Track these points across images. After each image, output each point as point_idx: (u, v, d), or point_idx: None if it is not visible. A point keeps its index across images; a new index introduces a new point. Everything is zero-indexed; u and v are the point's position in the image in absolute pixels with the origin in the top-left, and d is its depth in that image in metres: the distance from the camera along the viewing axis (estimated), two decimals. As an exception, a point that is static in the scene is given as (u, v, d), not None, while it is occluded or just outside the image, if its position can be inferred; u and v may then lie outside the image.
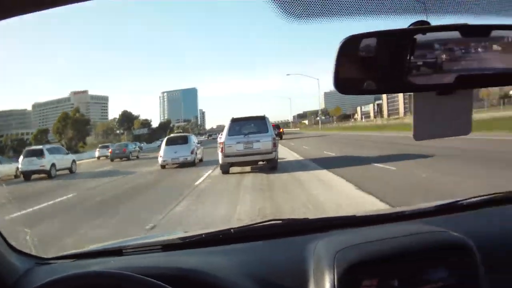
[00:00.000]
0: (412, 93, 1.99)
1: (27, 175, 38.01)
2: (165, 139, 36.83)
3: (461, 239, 2.30)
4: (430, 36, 1.83)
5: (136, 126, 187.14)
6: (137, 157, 62.27)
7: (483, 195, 3.13)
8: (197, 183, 22.41)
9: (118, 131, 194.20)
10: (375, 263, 2.19)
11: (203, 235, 2.85)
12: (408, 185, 15.98)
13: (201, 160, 36.83)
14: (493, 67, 1.87)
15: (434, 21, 1.89)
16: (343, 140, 55.68)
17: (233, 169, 26.03)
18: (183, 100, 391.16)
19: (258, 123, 26.49)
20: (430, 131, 2.09)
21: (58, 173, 38.97)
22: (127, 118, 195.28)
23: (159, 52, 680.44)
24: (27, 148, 41.64)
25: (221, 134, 27.84)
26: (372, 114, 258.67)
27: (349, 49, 1.81)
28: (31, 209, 18.03)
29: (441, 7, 2.08)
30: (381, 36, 1.83)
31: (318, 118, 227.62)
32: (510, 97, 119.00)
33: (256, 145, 25.49)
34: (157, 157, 35.51)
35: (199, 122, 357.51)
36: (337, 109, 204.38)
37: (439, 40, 1.83)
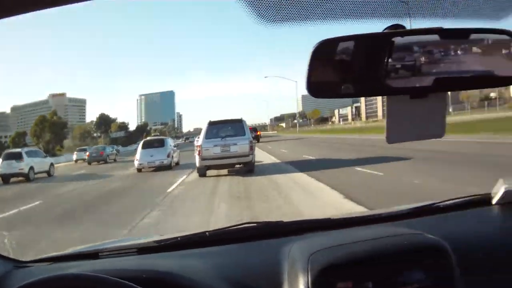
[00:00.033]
0: (385, 96, 1.98)
1: (5, 178, 37.98)
2: (141, 142, 36.61)
3: (436, 241, 2.30)
4: (406, 39, 1.84)
5: (113, 129, 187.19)
6: (115, 160, 63.00)
7: (459, 197, 3.13)
8: (170, 189, 21.38)
9: (95, 134, 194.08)
10: (349, 266, 2.17)
11: (179, 238, 2.81)
12: (406, 196, 13.67)
13: (177, 164, 36.78)
14: (469, 70, 1.88)
15: (410, 24, 1.92)
16: (321, 143, 55.46)
17: (210, 174, 25.74)
18: (161, 103, 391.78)
19: (235, 126, 26.56)
20: (403, 134, 2.09)
21: (36, 176, 39.15)
22: (104, 121, 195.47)
23: (137, 55, 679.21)
24: (6, 151, 42.17)
25: (198, 137, 27.85)
26: (350, 117, 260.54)
27: (323, 53, 1.80)
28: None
29: (416, 11, 2.06)
30: (356, 39, 1.81)
31: (295, 121, 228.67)
32: (491, 99, 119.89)
33: (233, 148, 25.47)
34: (134, 160, 35.13)
35: (176, 125, 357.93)
36: (315, 111, 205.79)
37: (414, 43, 1.84)
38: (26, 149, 43.40)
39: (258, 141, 63.85)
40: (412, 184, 16.02)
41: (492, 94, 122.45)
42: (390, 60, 1.81)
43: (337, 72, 1.85)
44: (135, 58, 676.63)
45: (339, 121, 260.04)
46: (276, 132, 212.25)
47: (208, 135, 25.91)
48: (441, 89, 1.92)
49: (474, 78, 1.92)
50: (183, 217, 14.46)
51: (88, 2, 1.87)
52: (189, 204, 16.93)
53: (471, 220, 2.93)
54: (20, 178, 37.79)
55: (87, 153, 64.75)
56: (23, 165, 37.65)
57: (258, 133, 77.50)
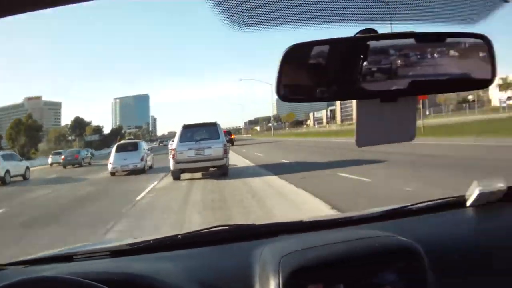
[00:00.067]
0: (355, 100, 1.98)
1: (-18, 181, 37.39)
2: (115, 146, 36.49)
3: (408, 243, 2.30)
4: (378, 44, 1.85)
5: (88, 133, 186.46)
6: (89, 164, 62.88)
7: (433, 200, 3.13)
8: (139, 197, 20.17)
9: (70, 138, 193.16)
10: (320, 268, 2.16)
11: (151, 241, 2.81)
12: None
13: (151, 167, 36.64)
14: (442, 74, 1.90)
15: (381, 29, 1.89)
16: (298, 147, 55.44)
17: (182, 180, 25.46)
18: (135, 107, 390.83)
19: (209, 130, 26.65)
20: (373, 137, 2.10)
21: (12, 179, 38.85)
22: (79, 125, 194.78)
23: (112, 58, 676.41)
24: (-17, 155, 41.33)
25: (173, 141, 27.95)
26: (325, 120, 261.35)
27: (293, 57, 1.81)
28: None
29: (390, 15, 2.05)
30: (327, 44, 1.83)
31: (270, 124, 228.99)
32: (469, 102, 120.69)
33: (207, 151, 25.56)
34: (107, 164, 34.84)
35: (150, 129, 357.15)
36: (290, 115, 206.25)
37: (387, 48, 1.85)
38: (1, 152, 43.14)
39: (232, 145, 64.05)
40: (407, 192, 14.28)
41: (470, 97, 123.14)
42: (361, 64, 1.82)
43: (307, 76, 1.86)
44: (110, 61, 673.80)
45: (314, 124, 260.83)
46: (250, 135, 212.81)
47: (182, 139, 25.98)
48: (412, 92, 1.93)
49: (448, 81, 1.93)
50: (149, 231, 12.76)
51: (60, 7, 1.80)
52: (158, 215, 15.46)
53: (445, 222, 2.92)
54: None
55: (62, 157, 64.39)
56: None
57: (232, 136, 78.07)
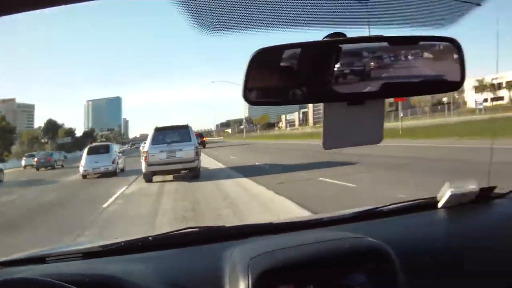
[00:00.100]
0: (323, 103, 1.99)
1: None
2: (86, 148, 36.07)
3: (378, 244, 2.32)
4: (345, 47, 1.85)
5: (60, 135, 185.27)
6: (62, 166, 62.33)
7: (404, 201, 3.16)
8: (106, 204, 18.73)
9: (43, 140, 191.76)
10: (289, 269, 2.18)
11: (122, 243, 2.78)
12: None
13: (122, 170, 36.30)
14: (411, 77, 1.92)
15: (351, 32, 1.89)
16: (271, 149, 54.85)
17: (154, 184, 25.10)
18: (108, 109, 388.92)
19: (181, 132, 26.84)
20: (340, 140, 2.11)
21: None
22: (52, 127, 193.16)
23: (84, 60, 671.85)
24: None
25: (145, 143, 28.00)
26: (297, 122, 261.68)
27: (260, 61, 1.80)
28: None
29: (355, 19, 2.10)
30: (294, 48, 1.82)
31: (242, 126, 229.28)
32: (444, 104, 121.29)
33: (179, 154, 25.67)
34: (79, 166, 34.55)
35: (122, 131, 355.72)
36: (263, 117, 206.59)
37: (354, 51, 1.86)
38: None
39: (204, 147, 64.00)
40: (402, 200, 12.73)
41: (445, 99, 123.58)
42: (329, 68, 1.82)
43: (274, 80, 1.86)
44: (83, 63, 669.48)
45: (286, 127, 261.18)
46: (222, 138, 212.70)
47: (154, 141, 26.16)
48: (381, 95, 1.94)
49: (417, 84, 1.95)
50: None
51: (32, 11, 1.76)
52: (124, 227, 13.75)
53: (416, 224, 2.95)
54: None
55: (36, 159, 63.90)
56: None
57: (204, 139, 78.14)
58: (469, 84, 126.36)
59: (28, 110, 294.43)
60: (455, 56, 1.96)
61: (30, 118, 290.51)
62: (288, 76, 1.85)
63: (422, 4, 2.19)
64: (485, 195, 3.12)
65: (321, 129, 2.04)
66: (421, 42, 1.95)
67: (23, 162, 74.91)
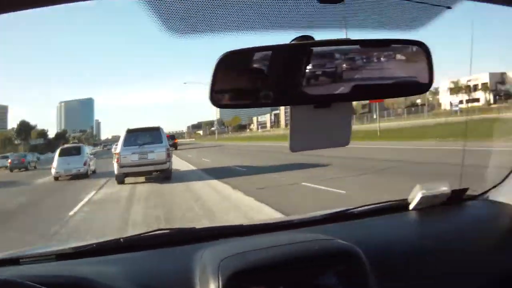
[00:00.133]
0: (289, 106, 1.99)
1: None
2: (58, 150, 35.52)
3: (348, 246, 2.33)
4: (313, 50, 1.84)
5: (33, 136, 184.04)
6: (35, 168, 61.77)
7: (376, 203, 3.15)
8: (73, 211, 17.17)
9: (16, 141, 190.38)
10: (259, 271, 2.19)
11: (94, 245, 2.74)
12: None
13: (94, 172, 35.94)
14: (377, 80, 1.92)
15: (318, 36, 1.88)
16: (244, 151, 54.43)
17: (124, 189, 24.02)
18: (80, 110, 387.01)
19: (152, 134, 26.78)
20: (307, 142, 2.10)
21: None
22: (25, 128, 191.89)
23: (57, 61, 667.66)
24: None
25: (116, 145, 27.98)
26: (268, 124, 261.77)
27: (227, 64, 1.79)
28: None
29: (323, 22, 2.08)
30: (261, 51, 1.81)
31: (213, 128, 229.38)
32: (418, 105, 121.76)
33: (150, 155, 25.66)
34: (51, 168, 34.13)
35: (94, 133, 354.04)
36: (235, 119, 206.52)
37: (322, 54, 1.85)
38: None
39: (176, 149, 63.80)
40: None
41: (418, 101, 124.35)
42: (297, 71, 1.82)
43: (240, 83, 1.85)
44: (55, 64, 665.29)
45: (258, 129, 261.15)
46: (193, 139, 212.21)
47: (126, 143, 26.16)
48: (348, 98, 1.95)
49: (385, 87, 1.95)
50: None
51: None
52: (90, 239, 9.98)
53: (387, 226, 2.98)
54: None
55: (9, 161, 63.47)
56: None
57: (176, 140, 78.00)
58: (444, 86, 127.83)
59: (1, 111, 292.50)
60: (424, 59, 1.95)
61: (3, 120, 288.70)
62: (255, 79, 1.83)
63: (393, 7, 2.18)
64: (457, 197, 3.12)
65: None
66: (391, 45, 1.95)
67: (-4, 164, 74.11)
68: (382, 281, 2.30)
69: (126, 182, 25.61)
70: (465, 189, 3.18)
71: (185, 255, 2.48)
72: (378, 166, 22.35)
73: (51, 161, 34.43)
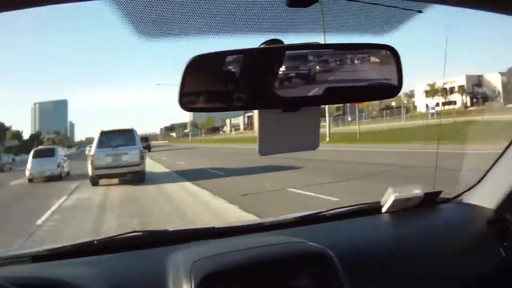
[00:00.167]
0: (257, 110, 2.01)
1: None
2: (32, 152, 35.25)
3: (320, 249, 2.34)
4: (282, 55, 1.83)
5: (8, 138, 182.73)
6: (10, 169, 61.06)
7: (348, 206, 3.16)
8: (40, 220, 15.68)
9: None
10: (232, 273, 2.20)
11: (69, 247, 2.73)
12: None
13: (68, 174, 35.61)
14: (346, 84, 1.92)
15: (289, 39, 1.89)
16: (219, 153, 53.82)
17: (96, 194, 22.61)
18: (54, 112, 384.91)
19: (126, 136, 26.88)
20: (276, 146, 2.09)
21: None
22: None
23: (32, 61, 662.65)
24: None
25: (90, 147, 27.98)
26: (242, 127, 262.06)
27: (195, 68, 1.78)
28: None
29: (293, 26, 2.09)
30: (229, 55, 1.80)
31: (187, 130, 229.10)
32: (392, 108, 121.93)
33: (124, 157, 25.79)
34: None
35: (68, 134, 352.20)
36: (208, 121, 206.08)
37: (291, 58, 1.84)
38: None
39: (149, 151, 63.62)
40: None
41: (393, 103, 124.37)
42: (265, 75, 1.82)
43: (209, 87, 1.84)
44: (30, 65, 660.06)
45: (231, 131, 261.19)
46: (167, 141, 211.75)
47: (100, 145, 26.22)
48: (316, 102, 1.95)
49: (354, 91, 1.95)
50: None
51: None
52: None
53: (360, 228, 2.97)
54: None
55: (-16, 162, 62.56)
56: None
57: (150, 142, 77.97)
58: (420, 88, 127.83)
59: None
60: (393, 62, 1.95)
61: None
62: (225, 83, 1.82)
63: (364, 11, 2.15)
64: (430, 200, 3.13)
65: None
66: (361, 49, 1.95)
67: (-28, 165, 73.57)
68: (357, 283, 2.31)
69: (100, 183, 25.46)
70: (439, 192, 3.19)
71: (158, 258, 2.47)
72: (370, 170, 21.18)
73: (25, 162, 34.07)
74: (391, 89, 1.96)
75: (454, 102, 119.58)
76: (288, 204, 14.97)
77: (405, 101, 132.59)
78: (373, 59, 1.96)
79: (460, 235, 2.86)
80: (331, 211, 3.08)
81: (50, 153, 34.00)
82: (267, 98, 1.83)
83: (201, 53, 1.78)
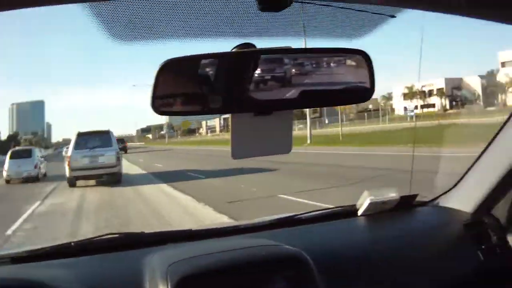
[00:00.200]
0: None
1: None
2: (9, 152, 34.87)
3: (295, 252, 2.33)
4: (255, 59, 1.81)
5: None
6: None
7: (324, 209, 3.23)
8: (10, 230, 14.26)
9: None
10: (207, 276, 2.19)
11: (48, 248, 2.71)
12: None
13: (45, 175, 35.14)
14: (318, 88, 1.92)
15: (263, 43, 1.88)
16: (196, 155, 53.00)
17: (72, 199, 21.29)
18: (31, 113, 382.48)
19: (103, 137, 26.94)
20: (249, 150, 2.08)
21: None
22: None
23: (8, 61, 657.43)
24: None
25: (67, 148, 27.86)
26: (218, 129, 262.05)
27: (169, 71, 1.77)
28: None
29: (265, 30, 2.07)
30: (202, 59, 1.78)
31: (163, 132, 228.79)
32: (370, 110, 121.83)
33: (101, 159, 25.75)
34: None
35: (45, 135, 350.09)
36: (184, 122, 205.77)
37: (263, 62, 1.82)
38: None
39: (126, 152, 63.30)
40: None
41: (370, 106, 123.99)
42: (237, 79, 1.81)
43: (181, 90, 1.83)
44: (6, 65, 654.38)
45: (207, 133, 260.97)
46: (143, 143, 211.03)
47: (77, 146, 26.22)
48: (288, 106, 1.93)
49: (327, 95, 1.95)
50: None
51: None
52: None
53: (336, 231, 2.98)
54: None
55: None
56: None
57: (126, 144, 77.85)
58: (398, 91, 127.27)
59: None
60: (365, 67, 1.94)
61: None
62: (196, 87, 1.81)
63: (337, 16, 2.13)
64: (406, 203, 3.13)
65: None
66: (333, 54, 1.95)
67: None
68: (333, 286, 2.31)
69: (77, 185, 25.35)
70: (415, 195, 3.19)
71: (135, 260, 2.45)
72: (364, 175, 19.77)
73: (2, 163, 33.69)
74: (365, 93, 1.95)
75: (433, 105, 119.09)
76: (278, 210, 13.09)
77: (382, 104, 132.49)
78: (349, 62, 1.95)
79: (436, 238, 2.86)
80: (307, 214, 3.06)
81: (27, 154, 33.64)
82: (241, 102, 1.82)
83: (175, 56, 1.77)
